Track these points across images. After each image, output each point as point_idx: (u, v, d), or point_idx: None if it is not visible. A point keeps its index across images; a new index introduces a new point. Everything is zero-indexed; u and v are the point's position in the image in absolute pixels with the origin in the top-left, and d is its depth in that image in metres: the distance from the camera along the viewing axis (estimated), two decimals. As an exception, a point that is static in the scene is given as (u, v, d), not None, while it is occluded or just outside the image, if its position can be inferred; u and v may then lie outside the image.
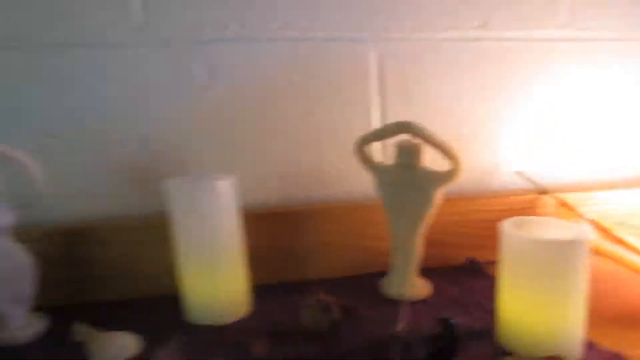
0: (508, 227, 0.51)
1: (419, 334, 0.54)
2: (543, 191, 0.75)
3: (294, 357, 0.52)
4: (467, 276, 0.72)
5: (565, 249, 0.48)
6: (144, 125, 0.68)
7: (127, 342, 0.53)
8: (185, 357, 0.52)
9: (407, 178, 0.61)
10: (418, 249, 0.64)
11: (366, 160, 0.65)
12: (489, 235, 0.75)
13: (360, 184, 0.75)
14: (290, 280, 0.71)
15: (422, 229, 0.63)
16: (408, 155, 0.61)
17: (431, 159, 0.62)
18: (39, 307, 0.60)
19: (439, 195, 0.62)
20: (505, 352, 0.51)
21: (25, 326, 0.58)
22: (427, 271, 0.68)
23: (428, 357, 0.48)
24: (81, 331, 0.56)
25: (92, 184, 0.68)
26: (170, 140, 0.69)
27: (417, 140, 0.61)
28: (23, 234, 0.59)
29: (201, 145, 0.70)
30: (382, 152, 0.76)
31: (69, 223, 0.67)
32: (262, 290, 0.67)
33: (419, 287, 0.65)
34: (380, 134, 0.62)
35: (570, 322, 0.49)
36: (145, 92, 0.68)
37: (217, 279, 0.59)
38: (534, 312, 0.49)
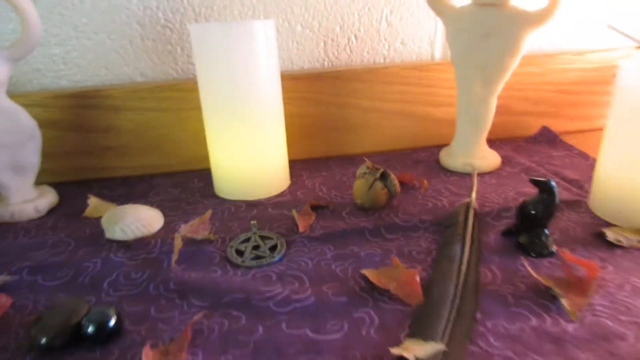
0: (626, 62, 0.41)
1: (498, 205, 0.47)
2: (641, 46, 0.62)
3: (345, 231, 0.44)
4: (541, 146, 0.63)
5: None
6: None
7: (148, 216, 0.45)
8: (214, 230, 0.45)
9: (489, 21, 0.49)
10: (491, 112, 0.54)
11: (438, 2, 0.52)
12: (569, 102, 0.65)
13: (417, 40, 0.63)
14: (336, 155, 0.62)
15: (500, 87, 0.52)
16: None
17: None
18: (47, 181, 0.54)
19: (526, 42, 0.49)
20: (607, 223, 0.43)
21: (31, 200, 0.50)
22: (493, 142, 0.59)
23: (520, 224, 0.41)
24: (96, 205, 0.49)
25: (101, 43, 0.57)
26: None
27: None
28: (28, 97, 0.52)
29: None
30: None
31: (80, 88, 0.57)
32: (302, 165, 0.59)
33: (488, 158, 0.56)
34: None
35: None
36: None
37: (253, 147, 0.50)
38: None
